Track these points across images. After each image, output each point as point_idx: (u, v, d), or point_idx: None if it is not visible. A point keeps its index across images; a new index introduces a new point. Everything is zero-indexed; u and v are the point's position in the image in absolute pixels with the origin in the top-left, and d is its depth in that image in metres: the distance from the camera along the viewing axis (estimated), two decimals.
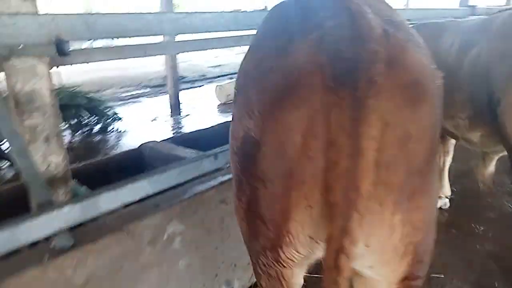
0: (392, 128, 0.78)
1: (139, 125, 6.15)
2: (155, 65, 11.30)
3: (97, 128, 5.95)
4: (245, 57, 1.04)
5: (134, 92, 8.94)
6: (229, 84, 7.45)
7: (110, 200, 1.60)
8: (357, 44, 0.75)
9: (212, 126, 3.68)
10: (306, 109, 0.79)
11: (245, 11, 1.76)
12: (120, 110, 6.59)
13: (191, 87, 9.35)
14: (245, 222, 1.07)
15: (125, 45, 1.78)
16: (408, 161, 0.83)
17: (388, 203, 0.83)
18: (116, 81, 10.37)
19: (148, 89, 9.31)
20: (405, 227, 0.87)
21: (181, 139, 3.29)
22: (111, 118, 6.12)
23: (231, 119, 1.08)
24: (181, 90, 7.26)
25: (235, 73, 11.31)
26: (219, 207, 2.02)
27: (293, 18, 0.93)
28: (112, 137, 5.60)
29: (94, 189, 2.17)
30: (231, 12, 1.63)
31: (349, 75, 0.73)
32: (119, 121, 6.09)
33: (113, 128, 5.97)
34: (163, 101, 7.89)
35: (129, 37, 1.52)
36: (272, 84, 0.85)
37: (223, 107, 7.09)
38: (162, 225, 1.77)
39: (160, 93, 8.82)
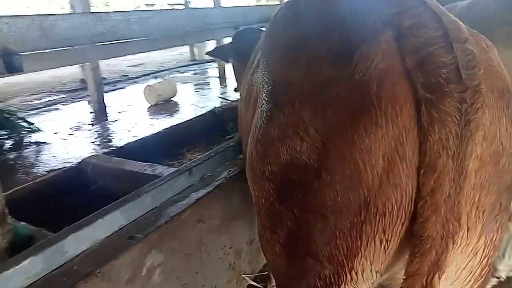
0: (489, 143, 0.67)
1: (62, 135, 5.49)
2: (61, 68, 10.27)
3: (9, 143, 5.21)
4: (273, 63, 0.86)
5: (48, 99, 8.01)
6: (159, 84, 7.01)
7: (78, 241, 1.32)
8: (450, 46, 0.63)
9: (157, 132, 3.38)
10: (392, 127, 0.65)
11: (219, 7, 1.55)
12: (35, 120, 5.84)
13: (113, 89, 8.66)
14: (283, 258, 0.90)
15: (61, 50, 1.46)
16: (500, 178, 0.73)
17: (476, 227, 0.73)
18: (21, 87, 9.22)
19: (63, 95, 8.41)
20: (487, 249, 0.78)
21: (126, 150, 2.96)
22: (27, 130, 5.39)
23: (258, 138, 0.90)
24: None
25: (159, 72, 10.82)
26: (196, 227, 1.82)
27: (342, 14, 0.77)
28: (31, 152, 4.91)
29: (34, 223, 1.82)
30: (201, 8, 1.41)
31: (452, 84, 0.61)
32: (37, 132, 5.38)
33: (30, 142, 5.26)
34: (84, 107, 7.20)
35: (94, 43, 1.24)
36: (338, 97, 0.69)
37: (154, 109, 6.65)
38: (139, 259, 1.52)
39: (79, 98, 8.03)
